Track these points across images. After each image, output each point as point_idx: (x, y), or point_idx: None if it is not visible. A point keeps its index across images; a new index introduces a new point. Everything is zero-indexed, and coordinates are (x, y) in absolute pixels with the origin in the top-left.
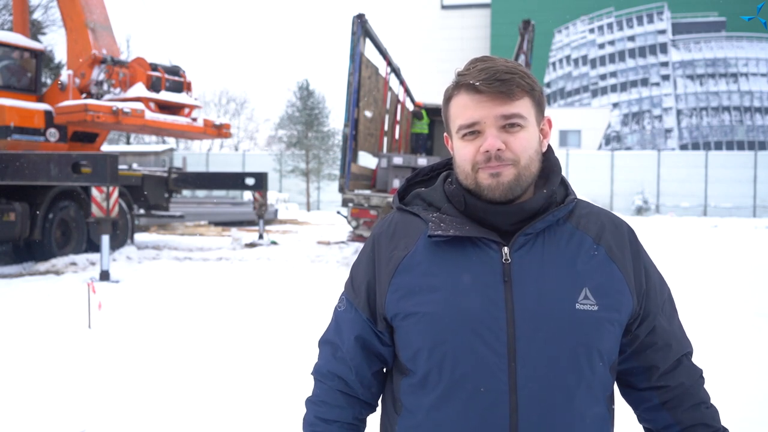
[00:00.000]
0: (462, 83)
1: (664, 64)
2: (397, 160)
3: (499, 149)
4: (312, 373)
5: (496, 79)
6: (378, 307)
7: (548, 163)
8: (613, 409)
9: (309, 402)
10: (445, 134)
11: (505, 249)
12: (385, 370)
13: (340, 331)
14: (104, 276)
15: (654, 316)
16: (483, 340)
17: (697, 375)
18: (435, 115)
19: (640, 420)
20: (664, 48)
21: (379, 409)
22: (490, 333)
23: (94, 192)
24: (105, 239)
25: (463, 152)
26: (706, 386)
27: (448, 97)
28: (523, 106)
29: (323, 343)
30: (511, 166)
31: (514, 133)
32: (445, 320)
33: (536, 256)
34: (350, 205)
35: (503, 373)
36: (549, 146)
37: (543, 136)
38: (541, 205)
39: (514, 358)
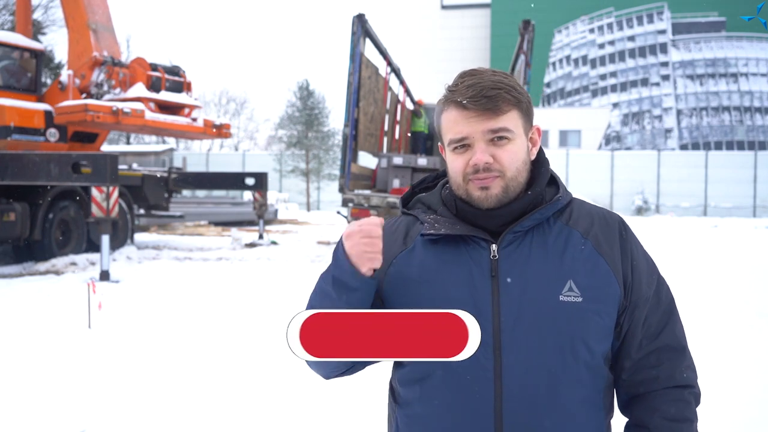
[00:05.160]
0: (450, 99)
1: (664, 64)
2: (397, 160)
3: (487, 162)
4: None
5: (482, 96)
6: (378, 291)
7: (537, 165)
8: (611, 401)
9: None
10: (439, 143)
11: (494, 246)
12: None
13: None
14: (104, 276)
15: (634, 306)
16: None
17: (677, 383)
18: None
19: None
20: (664, 48)
21: (386, 399)
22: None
23: (94, 192)
24: (105, 239)
25: (454, 165)
26: (700, 397)
27: (439, 111)
28: (510, 120)
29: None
30: (498, 178)
31: (502, 146)
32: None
33: (523, 252)
34: (350, 205)
35: (489, 362)
36: (540, 148)
37: (532, 144)
38: (527, 205)
39: (500, 348)
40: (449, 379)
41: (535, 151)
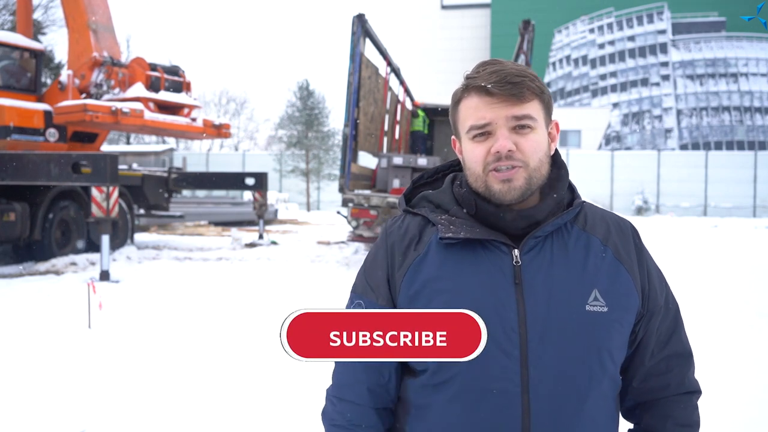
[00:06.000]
0: (472, 86)
1: (664, 64)
2: (397, 160)
3: (510, 150)
4: (330, 394)
5: (507, 81)
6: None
7: (556, 166)
8: (619, 407)
9: (335, 427)
10: (452, 137)
11: (516, 251)
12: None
13: None
14: (104, 276)
15: (650, 315)
16: (495, 342)
17: (686, 389)
18: (434, 115)
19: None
20: (664, 48)
21: None
22: (502, 335)
23: (94, 192)
24: (105, 239)
25: (473, 153)
26: (701, 404)
27: (457, 100)
28: (533, 109)
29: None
30: (521, 169)
31: (525, 134)
32: None
33: (545, 258)
34: (350, 205)
35: (515, 375)
36: (557, 150)
37: (551, 139)
38: (550, 210)
39: (526, 360)
40: (473, 392)
41: (554, 146)
